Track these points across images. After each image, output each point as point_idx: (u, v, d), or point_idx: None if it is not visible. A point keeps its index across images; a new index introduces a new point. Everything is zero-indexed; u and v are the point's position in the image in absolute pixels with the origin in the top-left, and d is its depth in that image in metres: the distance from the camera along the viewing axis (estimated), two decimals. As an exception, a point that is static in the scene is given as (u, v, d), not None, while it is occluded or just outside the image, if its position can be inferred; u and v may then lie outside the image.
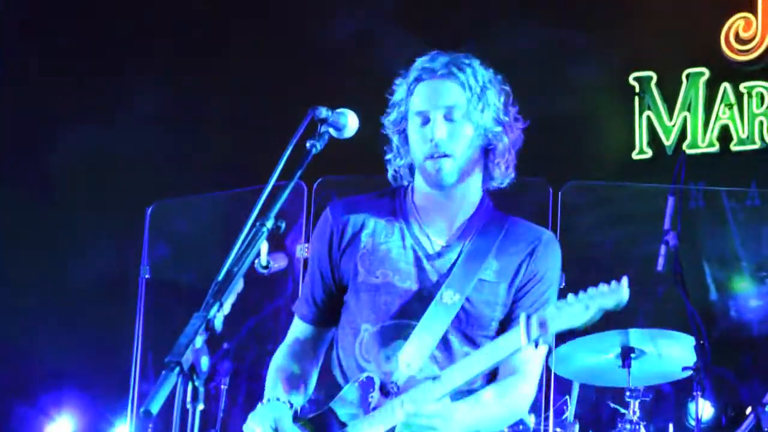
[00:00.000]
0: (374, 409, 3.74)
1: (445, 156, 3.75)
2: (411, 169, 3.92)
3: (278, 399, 3.84)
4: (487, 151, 3.85)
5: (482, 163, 3.86)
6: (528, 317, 3.46)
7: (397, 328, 3.82)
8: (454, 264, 3.82)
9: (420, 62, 3.86)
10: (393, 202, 3.96)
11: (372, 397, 3.75)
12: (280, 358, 4.02)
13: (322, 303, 4.00)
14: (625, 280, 3.38)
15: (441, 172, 3.77)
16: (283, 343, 4.08)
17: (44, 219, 9.42)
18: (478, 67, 3.83)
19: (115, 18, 9.58)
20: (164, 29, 9.31)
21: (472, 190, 3.88)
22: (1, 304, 9.33)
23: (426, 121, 3.78)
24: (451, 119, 3.75)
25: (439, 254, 3.84)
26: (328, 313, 4.00)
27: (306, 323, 4.05)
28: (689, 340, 6.03)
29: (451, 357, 3.79)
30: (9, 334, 9.17)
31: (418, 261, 3.84)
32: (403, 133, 3.88)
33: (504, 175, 3.89)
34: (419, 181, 3.88)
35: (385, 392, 3.75)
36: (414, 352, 3.76)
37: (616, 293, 3.38)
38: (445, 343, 3.79)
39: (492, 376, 3.87)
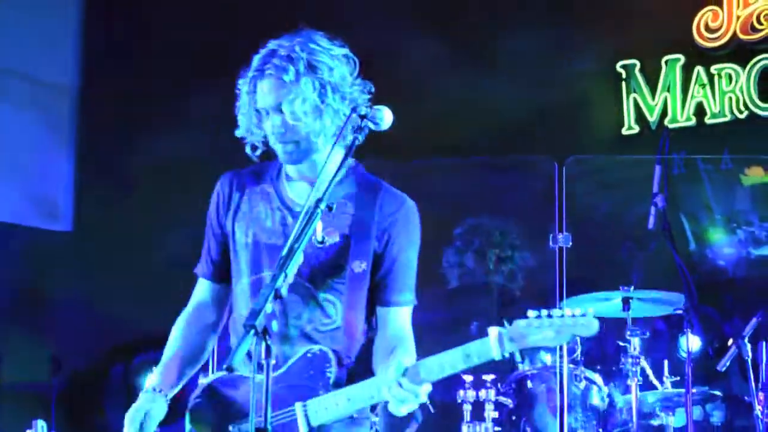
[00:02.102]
0: (336, 384, 3.56)
1: (286, 143, 3.63)
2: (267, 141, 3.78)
3: (154, 389, 3.74)
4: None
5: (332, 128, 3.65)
6: (500, 334, 3.25)
7: (258, 282, 3.68)
8: (344, 238, 3.65)
9: (255, 61, 3.69)
10: (269, 171, 3.84)
11: (330, 371, 3.57)
12: (180, 327, 3.91)
13: (219, 258, 3.86)
14: (591, 310, 3.21)
15: (287, 155, 3.67)
16: (185, 309, 3.95)
17: (134, 206, 9.46)
18: (297, 55, 3.60)
19: (185, 40, 9.61)
20: (226, 49, 9.31)
21: (331, 156, 3.59)
22: (100, 281, 9.38)
23: (267, 113, 3.65)
24: (280, 112, 3.60)
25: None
26: (224, 269, 3.85)
27: (206, 280, 3.91)
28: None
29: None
30: (107, 304, 9.22)
31: (283, 220, 3.71)
32: (256, 117, 3.72)
33: (343, 137, 3.61)
34: None
35: (341, 365, 3.60)
36: (352, 326, 3.64)
37: (590, 326, 3.19)
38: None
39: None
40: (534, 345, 3.24)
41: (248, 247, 3.74)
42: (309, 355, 3.60)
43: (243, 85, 3.74)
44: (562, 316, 3.21)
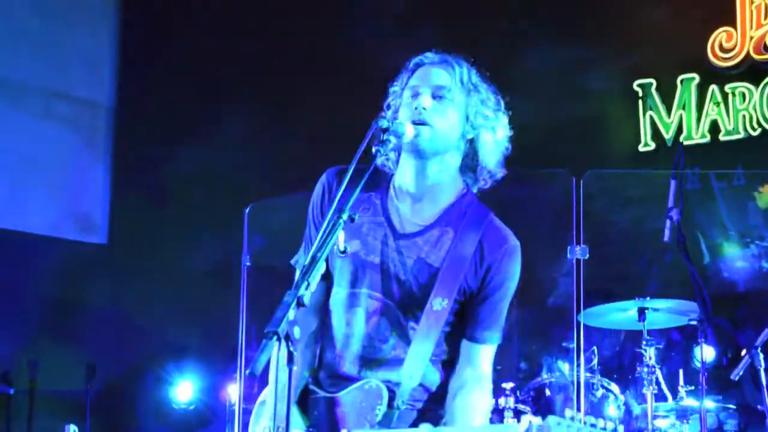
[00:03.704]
0: (381, 423, 3.38)
1: (425, 124, 3.41)
2: (398, 154, 3.53)
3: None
4: (471, 142, 3.51)
5: (463, 151, 3.51)
6: (530, 425, 2.98)
7: (354, 296, 3.50)
8: (436, 268, 3.44)
9: (417, 58, 3.57)
10: (380, 179, 3.57)
11: (379, 409, 3.39)
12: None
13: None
14: (622, 427, 3.10)
15: (419, 136, 3.41)
16: None
17: (166, 219, 9.47)
18: (470, 69, 3.54)
19: (217, 58, 9.63)
20: (256, 65, 9.33)
21: (449, 174, 3.49)
22: (133, 288, 9.39)
23: (416, 94, 3.47)
24: (439, 96, 3.45)
25: (406, 235, 3.47)
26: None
27: None
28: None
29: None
30: (140, 313, 9.22)
31: (384, 238, 3.49)
32: (396, 113, 3.52)
33: (485, 172, 3.53)
34: (402, 161, 3.52)
35: (390, 405, 3.40)
36: (414, 364, 3.41)
37: None
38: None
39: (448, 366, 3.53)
40: None
41: (346, 257, 3.49)
42: (366, 387, 3.44)
43: (402, 78, 3.58)
44: (594, 425, 2.98)
